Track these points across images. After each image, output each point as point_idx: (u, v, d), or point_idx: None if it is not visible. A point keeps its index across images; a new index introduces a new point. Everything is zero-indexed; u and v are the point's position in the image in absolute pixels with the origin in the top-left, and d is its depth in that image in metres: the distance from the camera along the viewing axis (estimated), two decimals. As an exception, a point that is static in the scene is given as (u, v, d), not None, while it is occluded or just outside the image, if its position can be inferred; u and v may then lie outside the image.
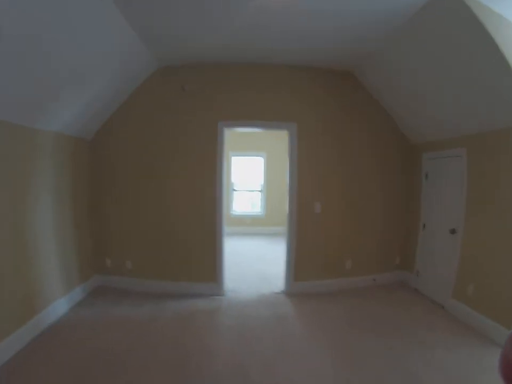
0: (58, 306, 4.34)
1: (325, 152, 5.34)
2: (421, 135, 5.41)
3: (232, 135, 10.26)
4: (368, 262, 5.72)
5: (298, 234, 5.38)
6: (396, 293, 5.44)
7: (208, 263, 5.31)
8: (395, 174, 5.78)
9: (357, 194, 5.54)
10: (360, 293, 5.39)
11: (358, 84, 5.44)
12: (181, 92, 5.11)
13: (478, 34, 3.14)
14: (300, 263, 5.39)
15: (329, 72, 5.28)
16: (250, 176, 11.12)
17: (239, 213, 11.03)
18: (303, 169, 5.27)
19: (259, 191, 11.04)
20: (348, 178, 5.48)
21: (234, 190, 10.95)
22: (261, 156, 10.85)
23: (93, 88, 4.31)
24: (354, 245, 5.59)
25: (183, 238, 5.29)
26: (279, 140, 10.42)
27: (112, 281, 5.50)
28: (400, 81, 4.80)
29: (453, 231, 4.61)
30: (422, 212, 5.52)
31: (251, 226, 10.83)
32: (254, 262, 7.39)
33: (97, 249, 5.49)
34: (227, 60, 5.02)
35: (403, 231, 5.90)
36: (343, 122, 5.41)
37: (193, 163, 5.19)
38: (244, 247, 8.92)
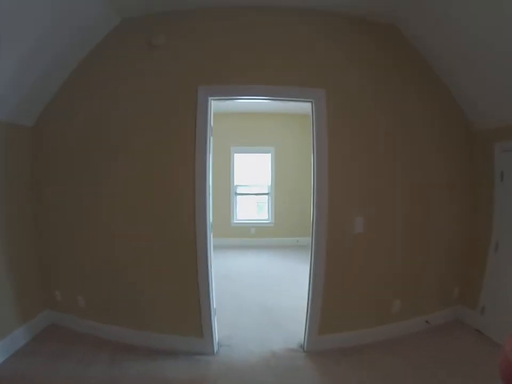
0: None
1: (371, 138, 3.52)
2: (492, 115, 3.60)
3: (232, 126, 8.66)
4: (421, 298, 3.94)
5: (329, 265, 3.46)
6: (457, 340, 3.72)
7: (188, 306, 3.51)
8: (457, 174, 3.98)
9: (419, 206, 3.77)
10: (409, 346, 3.65)
11: (403, 41, 3.64)
12: (147, 51, 3.36)
13: None
14: (328, 308, 3.54)
15: (364, 22, 3.49)
16: (255, 176, 9.24)
17: (242, 221, 9.17)
18: (336, 166, 3.40)
19: (266, 194, 9.17)
20: (407, 181, 3.69)
21: (237, 193, 9.12)
22: (268, 152, 8.99)
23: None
24: (407, 278, 3.81)
25: (146, 269, 3.53)
26: (290, 130, 8.73)
27: (65, 320, 3.97)
28: (465, 31, 3.04)
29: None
30: (494, 227, 3.77)
31: (257, 237, 8.96)
32: (259, 291, 5.55)
33: (44, 278, 3.96)
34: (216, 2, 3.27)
35: (464, 253, 4.10)
36: (396, 93, 3.59)
37: (160, 155, 3.40)
38: (246, 266, 7.08)
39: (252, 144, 8.91)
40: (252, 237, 8.93)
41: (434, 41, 3.40)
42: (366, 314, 3.70)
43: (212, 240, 3.46)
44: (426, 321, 3.93)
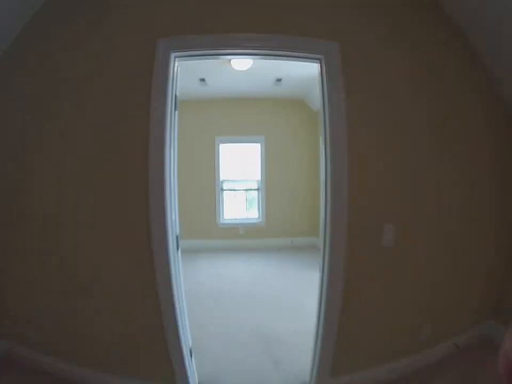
0: None
1: (405, 120, 2.50)
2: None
3: (217, 114, 7.65)
4: (452, 320, 3.00)
5: (346, 287, 2.46)
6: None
7: (152, 348, 2.52)
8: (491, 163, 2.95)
9: (466, 215, 2.82)
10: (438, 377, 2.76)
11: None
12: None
13: None
14: (344, 341, 2.56)
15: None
16: (244, 170, 8.20)
17: (230, 221, 8.14)
18: (357, 155, 2.37)
19: (256, 189, 8.15)
20: (452, 174, 2.70)
21: (223, 189, 8.08)
22: (257, 142, 7.93)
23: None
24: (440, 299, 2.85)
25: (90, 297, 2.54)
26: (282, 117, 7.75)
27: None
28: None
29: None
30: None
31: (246, 238, 7.93)
32: (253, 310, 4.52)
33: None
34: None
35: (493, 258, 3.11)
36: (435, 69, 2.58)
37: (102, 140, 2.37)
38: (236, 275, 6.03)
39: (239, 134, 7.86)
40: (241, 238, 7.91)
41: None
42: (390, 345, 2.74)
43: (179, 259, 2.45)
44: (455, 344, 2.99)
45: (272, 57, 2.39)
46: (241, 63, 5.12)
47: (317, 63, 2.37)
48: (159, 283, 2.28)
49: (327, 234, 2.40)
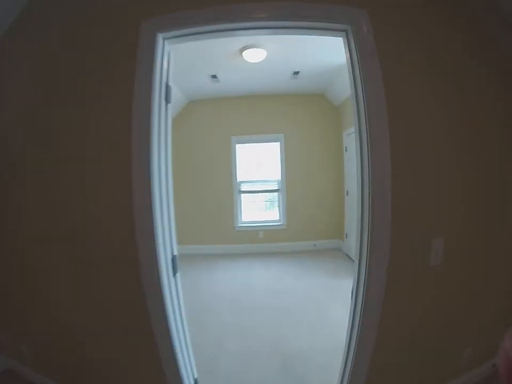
0: None
1: (465, 106, 1.97)
2: None
3: (233, 112, 7.26)
4: (494, 341, 2.40)
5: (385, 310, 1.97)
6: None
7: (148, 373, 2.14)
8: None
9: None
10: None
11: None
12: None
13: None
14: (378, 362, 2.08)
15: None
16: (262, 170, 7.75)
17: (249, 223, 7.68)
18: (401, 144, 1.86)
19: (276, 190, 7.69)
20: None
21: (241, 191, 7.68)
22: (276, 141, 7.46)
23: None
24: (487, 320, 2.35)
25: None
26: (303, 113, 7.28)
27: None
28: None
29: None
30: None
31: (266, 242, 7.48)
32: (271, 322, 4.11)
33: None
34: None
35: None
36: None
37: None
38: (253, 283, 5.58)
39: (257, 132, 7.41)
40: (261, 242, 7.47)
41: None
42: (428, 369, 2.27)
43: (177, 285, 2.03)
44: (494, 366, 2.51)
45: (284, 29, 1.90)
46: (254, 55, 4.68)
47: (341, 36, 1.90)
48: (152, 318, 1.88)
49: (363, 245, 1.93)
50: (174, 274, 1.96)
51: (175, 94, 6.39)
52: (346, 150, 6.73)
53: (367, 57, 1.77)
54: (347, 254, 6.79)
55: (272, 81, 6.28)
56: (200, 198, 7.47)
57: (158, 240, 1.78)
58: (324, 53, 4.95)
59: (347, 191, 6.75)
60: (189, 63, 5.11)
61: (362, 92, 1.78)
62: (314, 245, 7.36)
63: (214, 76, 5.75)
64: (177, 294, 2.00)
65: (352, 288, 2.09)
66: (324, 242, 7.36)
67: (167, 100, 1.89)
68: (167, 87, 1.87)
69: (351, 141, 6.36)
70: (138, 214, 1.76)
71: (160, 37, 1.80)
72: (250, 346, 3.52)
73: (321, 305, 4.48)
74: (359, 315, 1.98)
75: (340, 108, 6.97)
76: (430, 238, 1.94)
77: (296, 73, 5.78)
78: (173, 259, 1.95)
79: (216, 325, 4.03)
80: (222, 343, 3.57)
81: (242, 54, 4.68)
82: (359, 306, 1.98)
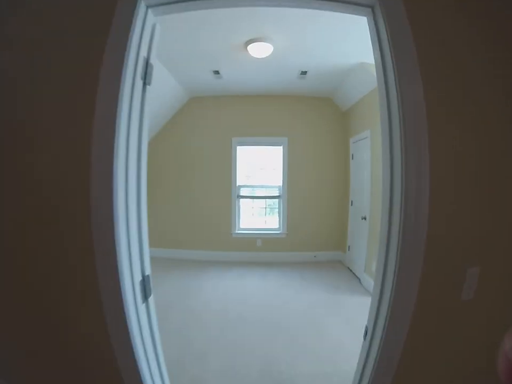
0: None
1: None
2: None
3: (234, 112, 6.90)
4: None
5: (406, 353, 1.54)
6: None
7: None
8: None
9: None
10: None
11: None
12: None
13: None
14: None
15: None
16: (263, 175, 7.37)
17: (247, 231, 7.28)
18: (441, 153, 1.44)
19: (277, 197, 7.31)
20: None
21: (240, 196, 7.31)
22: (279, 144, 7.09)
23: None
24: None
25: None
26: (308, 116, 6.95)
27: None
28: None
29: None
30: None
31: (264, 250, 7.09)
32: (263, 339, 3.77)
33: None
34: None
35: None
36: None
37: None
38: (247, 293, 5.20)
39: (259, 134, 7.02)
40: (259, 251, 7.08)
41: None
42: None
43: (151, 315, 1.64)
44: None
45: (296, 2, 1.55)
46: (260, 49, 4.33)
47: (365, 15, 1.53)
48: (117, 354, 1.49)
49: (387, 278, 1.53)
50: (146, 298, 1.57)
51: (175, 89, 6.06)
52: (352, 158, 6.35)
53: (399, 38, 1.39)
54: (348, 268, 6.41)
55: (278, 81, 5.92)
56: (197, 201, 7.10)
57: (122, 259, 1.37)
58: (333, 53, 4.62)
59: (352, 201, 6.37)
60: (190, 57, 4.78)
61: (396, 82, 1.39)
62: (315, 256, 6.97)
63: (216, 72, 5.41)
64: (150, 322, 1.61)
65: (367, 328, 1.69)
66: (324, 254, 6.98)
67: (146, 80, 1.50)
68: (147, 64, 1.49)
69: (358, 149, 6.02)
70: (96, 228, 1.37)
71: (142, 3, 1.44)
72: (238, 368, 3.14)
73: (319, 324, 4.11)
74: (372, 365, 1.59)
75: (347, 114, 6.61)
76: (464, 267, 1.56)
77: (304, 73, 5.43)
78: (144, 281, 1.55)
79: (203, 339, 3.67)
80: (207, 362, 3.21)
81: (247, 48, 4.33)
82: (373, 354, 1.59)
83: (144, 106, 1.47)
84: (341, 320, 4.18)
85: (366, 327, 1.69)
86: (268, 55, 4.51)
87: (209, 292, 5.21)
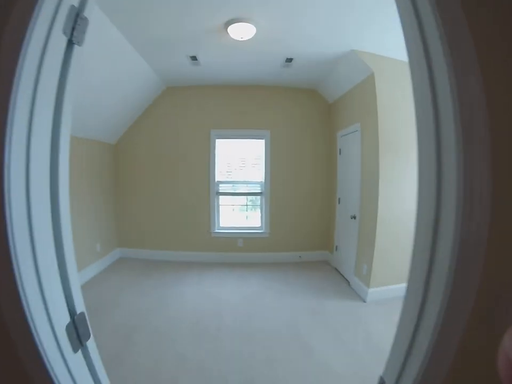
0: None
1: None
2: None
3: (214, 102, 6.44)
4: None
5: None
6: None
7: None
8: None
9: None
10: None
11: None
12: None
13: None
14: None
15: None
16: (244, 170, 6.90)
17: (227, 230, 6.85)
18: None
19: (258, 193, 6.85)
20: None
21: (219, 193, 6.86)
22: (261, 137, 6.64)
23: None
24: None
25: None
26: (292, 108, 6.56)
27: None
28: None
29: None
30: None
31: (246, 251, 6.67)
32: (240, 353, 3.40)
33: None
34: None
35: None
36: None
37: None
38: (226, 299, 4.81)
39: (240, 127, 6.58)
40: (240, 251, 6.66)
41: None
42: None
43: (96, 358, 1.19)
44: None
45: None
46: (241, 31, 3.87)
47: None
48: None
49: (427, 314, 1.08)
50: (82, 343, 1.14)
51: (149, 77, 5.58)
52: (340, 153, 5.96)
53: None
54: (336, 268, 6.07)
55: (262, 70, 5.49)
56: (175, 199, 6.64)
57: (29, 301, 0.90)
58: (322, 39, 4.23)
59: (339, 199, 6.00)
60: (164, 40, 4.31)
61: (447, 72, 0.95)
62: (300, 256, 6.60)
63: (194, 58, 4.93)
64: (93, 372, 1.18)
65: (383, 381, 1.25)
66: (310, 254, 6.62)
67: (74, 38, 1.05)
68: (77, 16, 1.05)
69: (346, 143, 5.65)
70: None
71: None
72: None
73: (303, 335, 3.74)
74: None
75: (335, 106, 6.21)
76: None
77: (289, 60, 5.00)
78: (75, 323, 1.11)
79: (172, 358, 3.26)
80: (176, 380, 2.84)
81: (228, 29, 3.88)
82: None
83: (69, 73, 1.03)
84: (328, 333, 3.79)
85: (382, 379, 1.23)
86: (250, 37, 4.05)
87: (184, 299, 4.77)
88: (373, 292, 4.63)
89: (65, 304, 1.08)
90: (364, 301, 4.68)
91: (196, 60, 5.00)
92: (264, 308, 4.48)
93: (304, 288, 5.16)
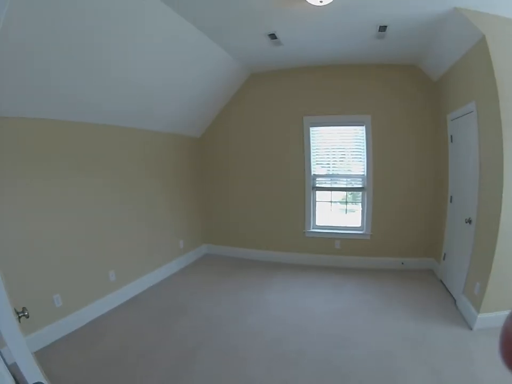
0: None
1: None
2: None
3: (307, 86, 6.30)
4: None
5: None
6: None
7: None
8: None
9: None
10: None
11: None
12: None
13: None
14: None
15: None
16: (343, 161, 6.10)
17: (323, 229, 6.16)
18: None
19: (359, 189, 5.97)
20: None
21: (315, 188, 6.18)
22: (361, 124, 5.72)
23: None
24: None
25: None
26: (397, 89, 5.58)
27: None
28: None
29: None
30: None
31: (343, 254, 5.95)
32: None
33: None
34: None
35: None
36: None
37: None
38: (309, 315, 4.22)
39: (337, 112, 5.76)
40: (337, 254, 5.97)
41: None
42: None
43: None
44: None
45: None
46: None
47: None
48: None
49: None
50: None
51: (227, 63, 5.23)
52: (451, 140, 4.80)
53: None
54: (441, 281, 5.04)
55: (350, 43, 4.67)
56: (264, 193, 6.28)
57: None
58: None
59: (451, 197, 4.86)
60: (234, 17, 3.84)
61: None
62: (402, 263, 5.67)
63: (273, 36, 4.35)
64: None
65: None
66: (413, 261, 5.65)
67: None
68: None
69: (458, 128, 4.54)
70: None
71: None
72: None
73: (396, 373, 2.96)
74: None
75: (441, 84, 5.10)
76: None
77: (383, 29, 4.09)
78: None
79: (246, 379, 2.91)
80: None
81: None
82: None
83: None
84: (425, 373, 2.95)
85: None
86: (329, 1, 3.29)
87: (265, 310, 4.35)
88: (484, 319, 3.56)
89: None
90: (470, 328, 3.66)
91: (276, 38, 4.41)
92: (356, 330, 3.80)
93: (403, 305, 4.32)
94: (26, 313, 1.76)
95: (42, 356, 3.25)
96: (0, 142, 3.11)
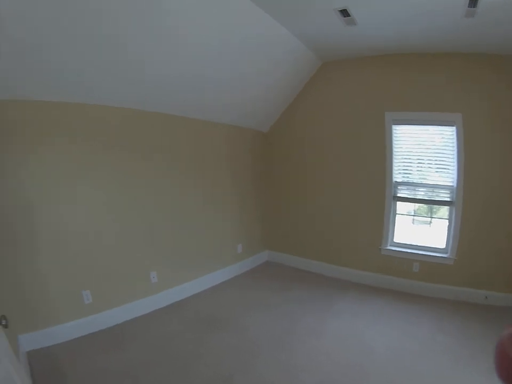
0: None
1: None
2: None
3: (389, 78, 5.09)
4: None
5: None
6: None
7: None
8: None
9: None
10: None
11: None
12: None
13: None
14: None
15: None
16: (428, 167, 5.03)
17: (400, 247, 5.23)
18: None
19: (447, 202, 4.90)
20: None
21: (396, 197, 5.25)
22: (450, 124, 4.65)
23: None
24: None
25: None
26: (485, 82, 4.43)
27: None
28: None
29: None
30: None
31: (421, 279, 4.97)
32: None
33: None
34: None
35: None
36: None
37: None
38: (369, 355, 3.42)
39: (423, 109, 4.77)
40: (414, 278, 5.00)
41: None
42: None
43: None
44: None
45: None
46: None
47: None
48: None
49: None
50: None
51: (293, 46, 4.62)
52: None
53: None
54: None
55: (435, 25, 3.74)
56: (334, 199, 5.60)
57: None
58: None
59: None
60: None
61: None
62: (486, 297, 4.50)
63: (344, 12, 3.66)
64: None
65: None
66: (500, 296, 4.44)
67: None
68: None
69: None
70: None
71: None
72: None
73: None
74: None
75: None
76: None
77: (473, 4, 3.15)
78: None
79: None
80: None
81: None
82: None
83: None
84: None
85: None
86: None
87: (318, 339, 3.71)
88: None
89: None
90: None
91: (349, 15, 3.72)
92: (421, 378, 3.00)
93: (482, 356, 3.28)
94: (4, 323, 1.54)
95: (58, 350, 3.23)
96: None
